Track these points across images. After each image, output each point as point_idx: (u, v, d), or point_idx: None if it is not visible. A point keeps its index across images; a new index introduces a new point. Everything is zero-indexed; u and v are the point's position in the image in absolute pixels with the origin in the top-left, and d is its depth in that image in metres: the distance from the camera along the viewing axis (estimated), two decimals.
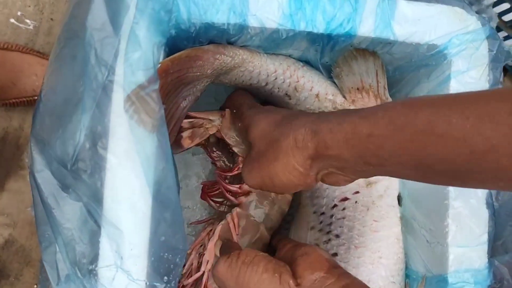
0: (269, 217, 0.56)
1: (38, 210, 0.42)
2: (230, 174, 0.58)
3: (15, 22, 1.05)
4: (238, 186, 0.56)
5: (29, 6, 1.05)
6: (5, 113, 1.03)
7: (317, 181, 0.46)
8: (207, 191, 0.61)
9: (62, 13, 1.07)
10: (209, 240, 0.54)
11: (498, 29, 1.01)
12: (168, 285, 0.42)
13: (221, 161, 0.61)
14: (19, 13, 1.05)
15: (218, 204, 0.60)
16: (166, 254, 0.42)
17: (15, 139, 1.03)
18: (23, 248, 1.02)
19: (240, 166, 0.57)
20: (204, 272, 0.52)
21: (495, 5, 0.97)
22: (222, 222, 0.55)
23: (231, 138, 0.57)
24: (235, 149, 0.57)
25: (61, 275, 0.41)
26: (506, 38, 1.04)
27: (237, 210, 0.56)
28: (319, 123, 0.43)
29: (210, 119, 0.56)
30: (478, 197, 0.50)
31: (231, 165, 0.60)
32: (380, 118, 0.38)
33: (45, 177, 0.42)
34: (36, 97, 1.00)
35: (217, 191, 0.60)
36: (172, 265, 0.42)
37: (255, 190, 0.57)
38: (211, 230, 0.56)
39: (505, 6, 0.95)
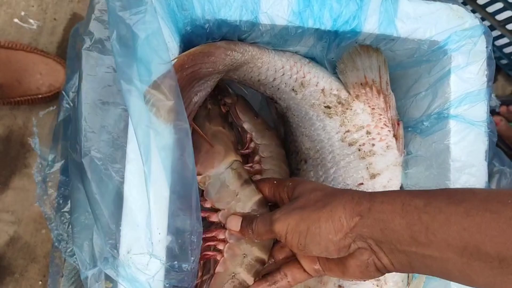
0: None
1: (75, 197, 0.44)
2: (243, 152, 0.62)
3: (19, 22, 1.06)
4: (249, 165, 0.61)
5: (33, 6, 1.07)
6: (10, 112, 1.04)
7: (349, 250, 0.44)
8: None
9: (65, 13, 1.08)
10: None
11: (492, 28, 1.04)
12: (193, 264, 0.44)
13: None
14: (22, 13, 1.07)
15: None
16: (188, 235, 0.45)
17: (20, 137, 1.05)
18: (28, 245, 1.03)
19: (251, 144, 0.62)
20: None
21: (488, 4, 1.00)
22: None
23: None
24: (246, 126, 0.61)
25: (98, 257, 0.43)
26: (498, 37, 1.07)
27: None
28: (375, 193, 0.44)
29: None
30: (478, 186, 0.53)
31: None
32: (439, 195, 0.39)
33: (89, 164, 0.44)
34: (40, 95, 1.02)
35: None
36: (194, 246, 0.45)
37: (266, 168, 0.62)
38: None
39: (498, 5, 0.98)
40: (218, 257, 0.54)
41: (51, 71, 1.04)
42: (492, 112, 1.05)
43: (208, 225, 0.56)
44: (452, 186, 0.53)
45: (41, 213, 1.03)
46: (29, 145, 1.05)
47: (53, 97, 1.03)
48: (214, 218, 0.56)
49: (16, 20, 1.06)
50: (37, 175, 0.86)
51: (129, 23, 0.45)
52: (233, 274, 0.53)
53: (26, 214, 1.04)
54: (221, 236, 0.55)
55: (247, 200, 0.56)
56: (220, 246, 0.54)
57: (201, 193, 0.57)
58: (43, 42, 1.07)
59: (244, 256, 0.54)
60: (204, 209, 0.55)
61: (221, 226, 0.56)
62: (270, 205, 0.57)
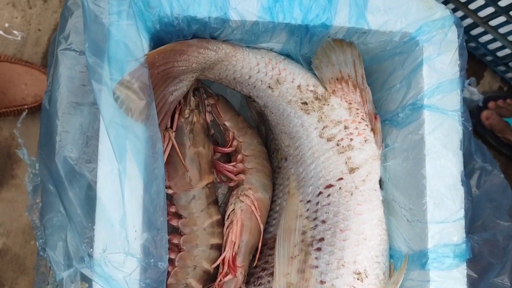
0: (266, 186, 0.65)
1: (46, 199, 0.44)
2: (226, 150, 0.66)
3: (3, 33, 1.06)
4: (232, 164, 0.63)
5: (17, 18, 1.07)
6: None
7: None
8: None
9: (49, 23, 1.09)
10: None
11: (475, 25, 1.05)
12: (166, 263, 0.44)
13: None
14: (6, 25, 1.07)
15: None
16: (161, 232, 0.44)
17: (6, 149, 1.04)
18: (18, 257, 1.02)
19: (234, 143, 0.65)
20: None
21: (471, 1, 1.00)
22: (240, 206, 0.62)
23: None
24: (228, 124, 0.64)
25: (73, 257, 0.43)
26: (482, 33, 1.07)
27: (252, 193, 0.63)
28: None
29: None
30: (453, 175, 0.53)
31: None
32: None
33: (62, 163, 0.45)
34: (26, 106, 1.01)
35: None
36: (165, 244, 0.45)
37: (250, 167, 0.64)
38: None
39: (480, 2, 0.98)
40: (170, 268, 0.58)
41: (36, 81, 1.04)
42: (481, 108, 1.05)
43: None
44: (428, 175, 0.53)
45: (30, 225, 1.03)
46: (16, 156, 1.05)
47: (39, 108, 1.03)
48: (174, 222, 0.60)
49: (0, 32, 1.06)
50: (28, 185, 0.86)
51: (104, 22, 0.45)
52: (185, 284, 0.59)
53: (15, 225, 1.03)
54: (175, 241, 0.60)
55: (207, 217, 0.61)
56: (172, 255, 0.59)
57: (169, 197, 0.60)
58: (28, 53, 1.07)
59: (194, 268, 0.59)
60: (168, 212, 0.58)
61: (178, 232, 0.61)
62: None
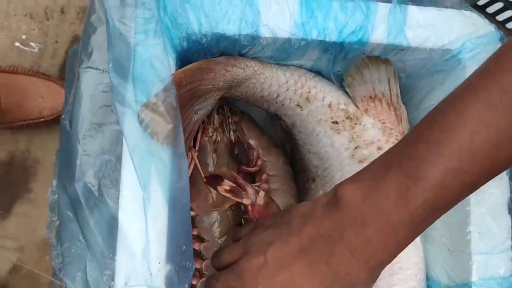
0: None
1: (64, 226, 0.42)
2: (250, 170, 0.62)
3: (20, 45, 1.05)
4: (257, 184, 0.60)
5: (34, 30, 1.06)
6: (12, 136, 1.02)
7: None
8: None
9: (67, 35, 1.07)
10: None
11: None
12: None
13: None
14: (24, 37, 1.06)
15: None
16: (185, 262, 0.42)
17: (22, 162, 1.03)
18: (31, 273, 1.00)
19: (258, 162, 0.62)
20: None
21: (488, 4, 0.97)
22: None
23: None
24: (252, 142, 0.60)
25: None
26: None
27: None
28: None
29: (248, 191, 0.58)
30: (499, 203, 0.50)
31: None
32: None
33: (82, 189, 0.42)
34: (42, 119, 1.00)
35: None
36: (190, 273, 0.42)
37: (275, 187, 0.61)
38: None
39: (498, 5, 0.95)
40: None
41: (53, 94, 1.02)
42: None
43: None
44: (472, 203, 0.49)
45: (44, 240, 1.01)
46: (31, 170, 1.03)
47: (56, 121, 1.02)
48: (196, 246, 0.57)
49: (17, 44, 1.05)
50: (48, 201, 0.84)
51: (130, 41, 0.42)
52: None
53: (29, 240, 1.02)
54: (197, 266, 0.56)
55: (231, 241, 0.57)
56: (194, 281, 0.55)
57: (191, 219, 0.57)
58: (45, 65, 1.05)
59: None
60: None
61: (200, 256, 0.57)
62: None
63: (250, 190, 0.58)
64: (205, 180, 0.56)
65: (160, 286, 0.43)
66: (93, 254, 0.43)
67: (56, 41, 1.06)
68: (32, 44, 1.06)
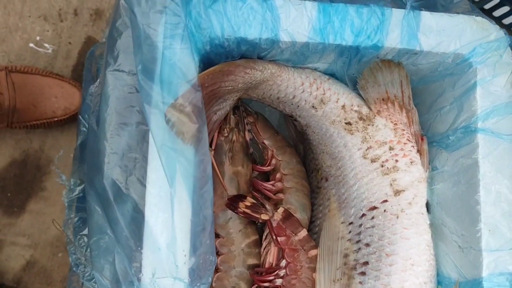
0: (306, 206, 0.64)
1: (93, 220, 0.44)
2: (264, 169, 0.64)
3: (34, 46, 1.07)
4: (271, 183, 0.62)
5: (48, 31, 1.08)
6: (26, 135, 1.04)
7: None
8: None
9: (80, 36, 1.09)
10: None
11: None
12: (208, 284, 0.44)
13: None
14: (38, 38, 1.07)
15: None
16: (207, 255, 0.44)
17: (36, 161, 1.04)
18: (45, 269, 1.02)
19: (272, 161, 0.64)
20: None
21: (495, 8, 0.98)
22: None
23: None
24: (267, 142, 0.63)
25: (122, 281, 0.42)
26: None
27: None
28: None
29: (266, 208, 0.61)
30: (509, 201, 0.51)
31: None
32: None
33: (111, 186, 0.44)
34: (56, 119, 1.02)
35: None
36: (212, 265, 0.44)
37: (288, 186, 0.63)
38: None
39: (505, 9, 0.96)
40: None
41: (67, 94, 1.04)
42: None
43: None
44: (483, 201, 0.51)
45: (57, 237, 1.02)
46: (45, 169, 1.05)
47: (69, 120, 1.03)
48: None
49: (31, 45, 1.07)
50: (65, 200, 0.86)
51: (158, 45, 0.44)
52: None
53: (43, 238, 1.03)
54: None
55: (245, 237, 0.60)
56: None
57: None
58: (58, 66, 1.07)
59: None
60: None
61: (216, 251, 0.59)
62: None
63: (268, 206, 0.60)
64: (227, 200, 0.59)
65: (185, 278, 0.45)
66: (121, 247, 0.45)
67: (70, 43, 1.08)
68: (46, 45, 1.07)
